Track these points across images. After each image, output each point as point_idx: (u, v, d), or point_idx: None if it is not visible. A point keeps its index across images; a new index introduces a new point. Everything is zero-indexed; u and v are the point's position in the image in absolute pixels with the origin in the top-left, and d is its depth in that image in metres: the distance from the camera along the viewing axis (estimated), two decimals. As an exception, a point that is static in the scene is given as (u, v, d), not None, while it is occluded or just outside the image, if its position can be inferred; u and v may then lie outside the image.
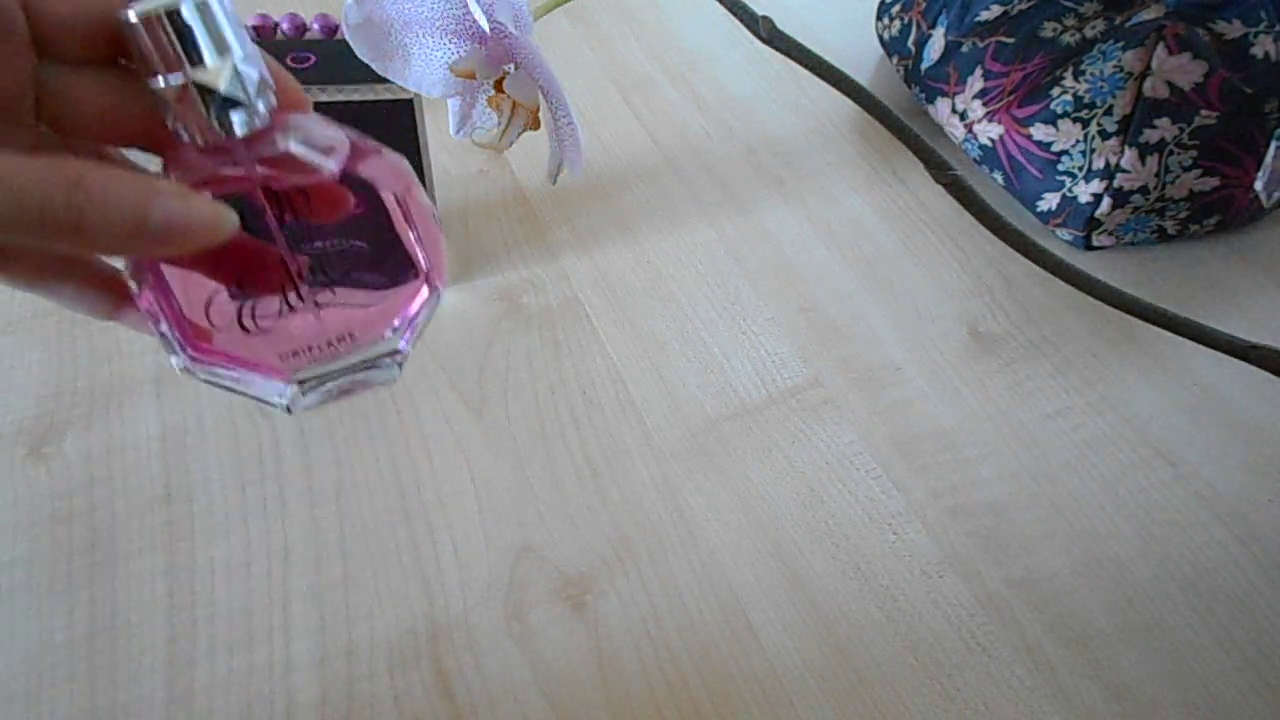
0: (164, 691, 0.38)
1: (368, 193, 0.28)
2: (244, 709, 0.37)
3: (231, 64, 0.25)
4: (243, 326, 0.29)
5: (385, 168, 0.28)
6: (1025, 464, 0.46)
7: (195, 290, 0.28)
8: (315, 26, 0.66)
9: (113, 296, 0.28)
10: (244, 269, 0.28)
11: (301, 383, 0.30)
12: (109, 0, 0.24)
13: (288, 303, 0.29)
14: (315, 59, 0.45)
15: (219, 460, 0.45)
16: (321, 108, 0.44)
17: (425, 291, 0.31)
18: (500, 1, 0.36)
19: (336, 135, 0.28)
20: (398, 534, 0.43)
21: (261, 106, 0.26)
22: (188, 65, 0.25)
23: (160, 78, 0.25)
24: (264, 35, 0.66)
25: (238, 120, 0.26)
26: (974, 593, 0.42)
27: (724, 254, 0.56)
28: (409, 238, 0.29)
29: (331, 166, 0.27)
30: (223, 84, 0.25)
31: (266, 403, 0.31)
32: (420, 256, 0.30)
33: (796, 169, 0.61)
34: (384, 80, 0.41)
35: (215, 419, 0.47)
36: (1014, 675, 0.39)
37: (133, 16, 0.24)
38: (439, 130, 0.62)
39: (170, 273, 0.27)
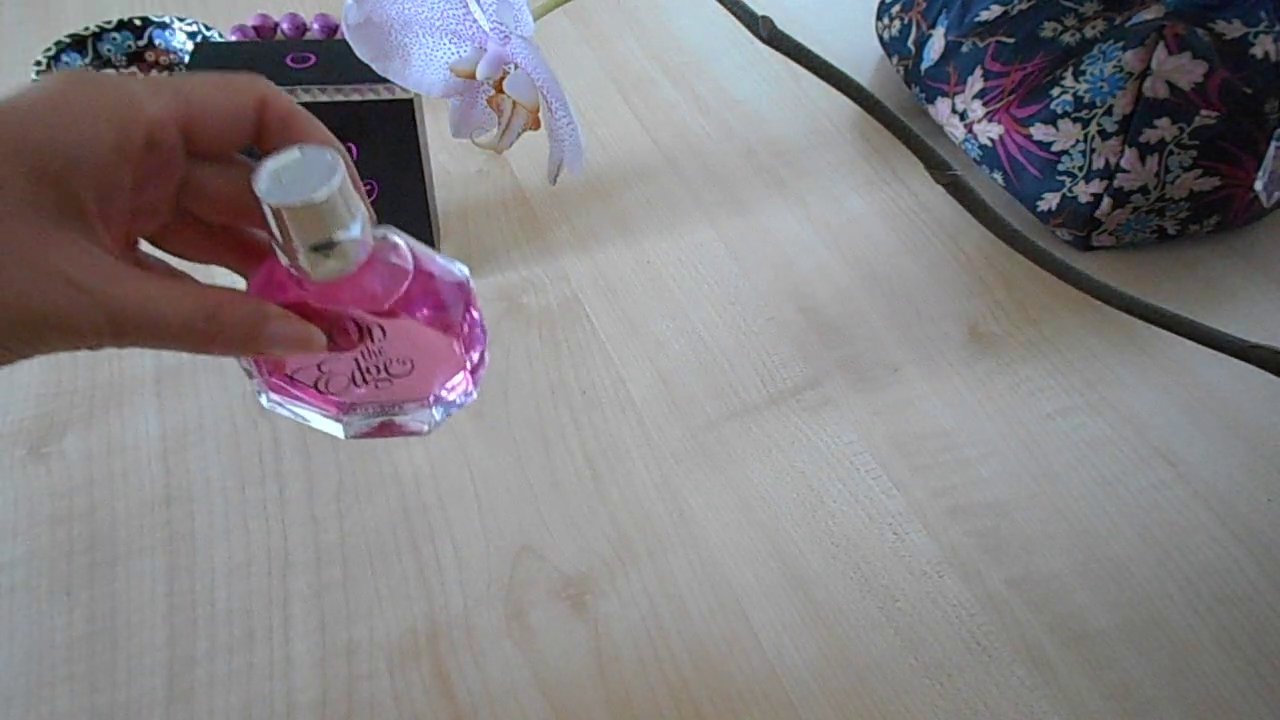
0: (164, 691, 0.38)
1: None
2: (244, 709, 0.37)
3: (343, 238, 0.30)
4: (319, 389, 0.36)
5: (442, 291, 0.35)
6: (1025, 464, 0.46)
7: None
8: (315, 26, 0.66)
9: None
10: (324, 364, 0.35)
11: (350, 420, 0.38)
12: (248, 107, 0.30)
13: (354, 382, 0.36)
14: (315, 59, 0.45)
15: (219, 460, 0.45)
16: (322, 108, 0.44)
17: (466, 386, 0.38)
18: (500, 1, 0.36)
19: (405, 263, 0.33)
20: (398, 534, 0.43)
21: (362, 258, 0.32)
22: (309, 242, 0.30)
23: (276, 245, 0.30)
24: (264, 35, 0.66)
25: (336, 271, 0.31)
26: (974, 593, 0.42)
27: (724, 254, 0.56)
28: (458, 345, 0.36)
29: (388, 302, 0.33)
30: (334, 253, 0.31)
31: (324, 431, 0.38)
32: (465, 358, 0.37)
33: (796, 169, 0.61)
34: (384, 80, 0.41)
35: (215, 419, 0.47)
36: (1014, 675, 0.39)
37: (267, 202, 0.29)
38: (439, 130, 0.62)
39: None
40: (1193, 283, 0.55)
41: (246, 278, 0.35)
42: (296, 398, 0.37)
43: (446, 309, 0.35)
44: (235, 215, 0.32)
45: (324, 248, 0.30)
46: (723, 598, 0.41)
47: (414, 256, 0.34)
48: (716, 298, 0.54)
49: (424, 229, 0.50)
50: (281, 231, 0.30)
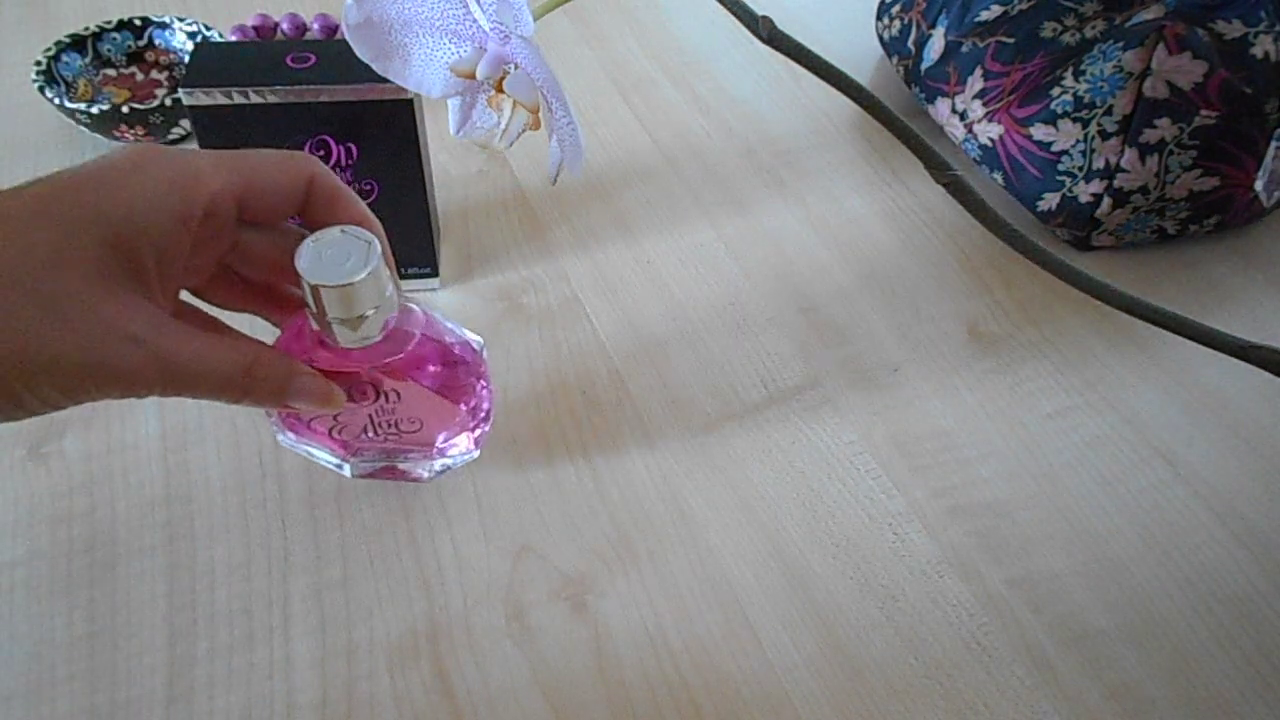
0: (164, 691, 0.38)
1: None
2: (244, 709, 0.37)
3: (371, 314, 0.34)
4: (332, 436, 0.40)
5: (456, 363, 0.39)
6: (1025, 464, 0.46)
7: None
8: (315, 26, 0.66)
9: None
10: (339, 415, 0.39)
11: (359, 463, 0.42)
12: (299, 184, 0.34)
13: (366, 432, 0.40)
14: (315, 59, 0.45)
15: (219, 460, 0.45)
16: (322, 108, 0.44)
17: (468, 445, 0.42)
18: (500, 2, 0.36)
19: (421, 332, 0.37)
20: (398, 534, 0.43)
21: (388, 328, 0.35)
22: (340, 316, 0.34)
23: (310, 313, 0.34)
24: (264, 35, 0.66)
25: (362, 339, 0.35)
26: (974, 593, 0.42)
27: (724, 254, 0.56)
28: (464, 410, 0.39)
29: (402, 367, 0.37)
30: (361, 326, 0.34)
31: (330, 467, 0.43)
32: (468, 421, 0.40)
33: (796, 169, 0.61)
34: (384, 80, 0.41)
35: (215, 419, 0.47)
36: (1014, 675, 0.39)
37: (308, 280, 0.33)
38: (439, 130, 0.62)
39: None
40: (1193, 283, 0.55)
41: (278, 326, 0.38)
42: (310, 438, 0.40)
43: (457, 376, 0.38)
44: (275, 274, 0.36)
45: (353, 321, 0.34)
46: (723, 598, 0.41)
47: (431, 325, 0.38)
48: (716, 298, 0.54)
49: (424, 229, 0.50)
50: (317, 304, 0.33)
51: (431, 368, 0.38)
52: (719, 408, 0.48)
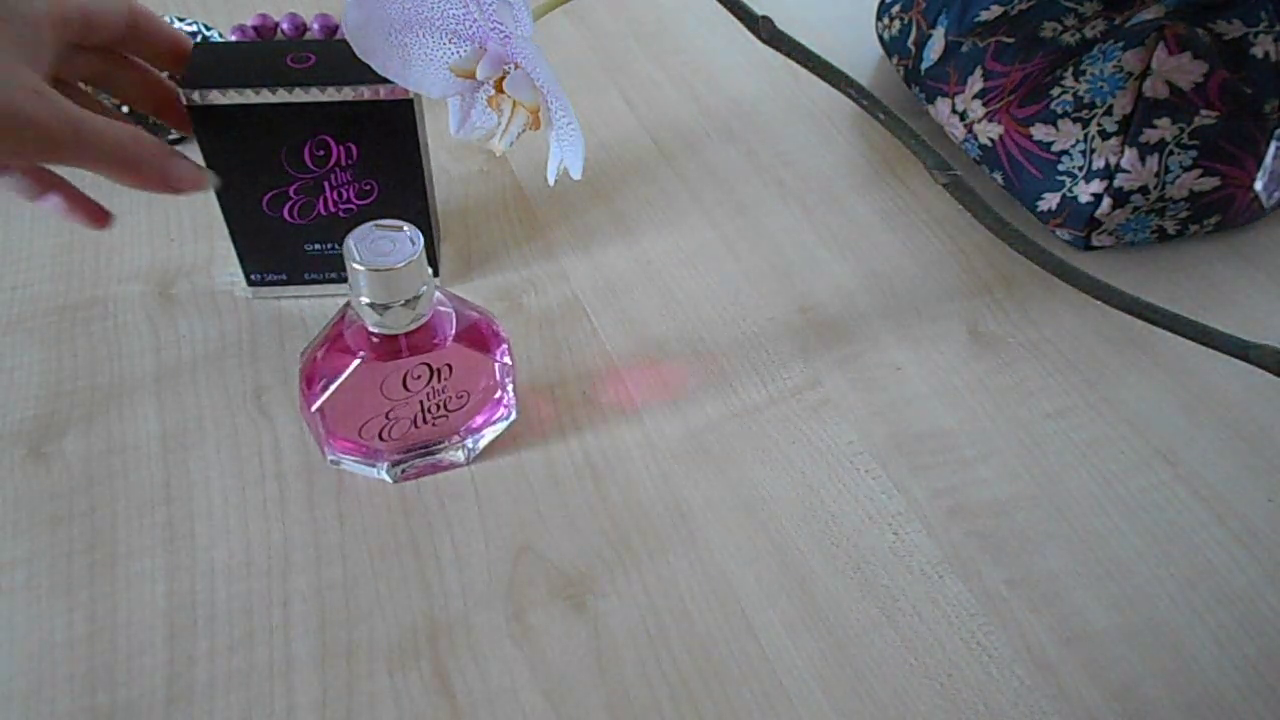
0: (164, 691, 0.38)
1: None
2: (244, 709, 0.37)
3: (424, 290, 0.37)
4: (381, 438, 0.42)
5: (490, 339, 0.42)
6: (1025, 464, 0.46)
7: (356, 415, 0.41)
8: (315, 26, 0.66)
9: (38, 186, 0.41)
10: (393, 410, 0.41)
11: (397, 464, 0.43)
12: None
13: (415, 424, 0.42)
14: (315, 59, 0.45)
15: (219, 460, 0.45)
16: (322, 108, 0.44)
17: (506, 414, 0.45)
18: (500, 2, 0.36)
19: (454, 310, 0.41)
20: (398, 534, 0.43)
21: (425, 313, 0.38)
22: (385, 302, 0.37)
23: (364, 299, 0.37)
24: (264, 35, 0.66)
25: (418, 318, 0.38)
26: (974, 593, 0.42)
27: (724, 254, 0.56)
28: (498, 370, 0.42)
29: (448, 344, 0.40)
30: (418, 305, 0.37)
31: (370, 476, 0.44)
32: (509, 393, 0.44)
33: (796, 169, 0.61)
34: (384, 80, 0.41)
35: (215, 419, 0.47)
36: (1014, 675, 0.39)
37: (360, 266, 0.36)
38: (439, 130, 0.62)
39: (335, 403, 0.40)
40: (1193, 283, 0.55)
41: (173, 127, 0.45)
42: (357, 453, 0.43)
43: (487, 344, 0.42)
44: (153, 108, 0.44)
45: (413, 300, 0.37)
46: (723, 598, 0.41)
47: (459, 304, 0.41)
48: (716, 298, 0.54)
49: (424, 229, 0.50)
50: (361, 286, 0.36)
51: (465, 336, 0.40)
52: (719, 407, 0.48)
